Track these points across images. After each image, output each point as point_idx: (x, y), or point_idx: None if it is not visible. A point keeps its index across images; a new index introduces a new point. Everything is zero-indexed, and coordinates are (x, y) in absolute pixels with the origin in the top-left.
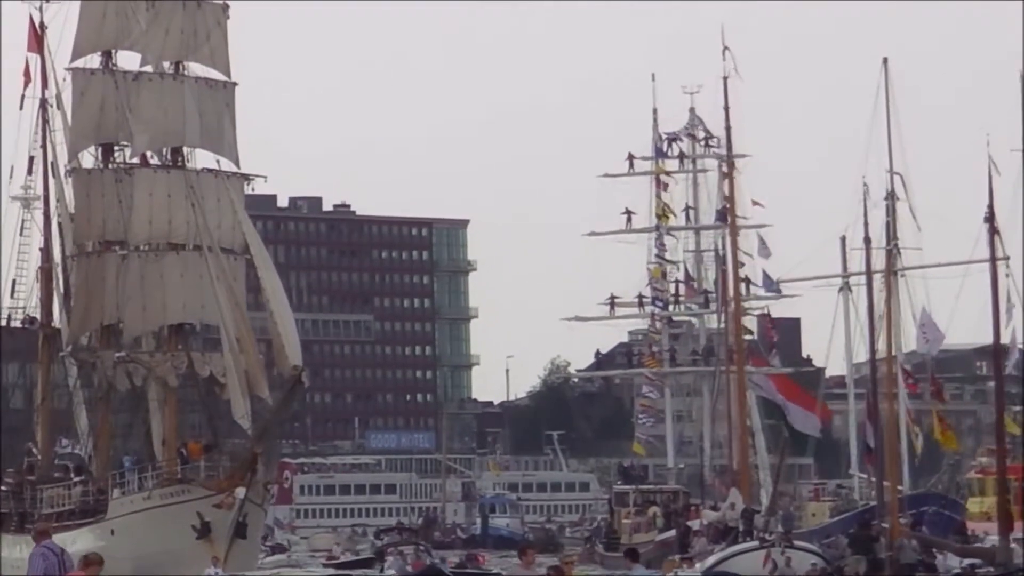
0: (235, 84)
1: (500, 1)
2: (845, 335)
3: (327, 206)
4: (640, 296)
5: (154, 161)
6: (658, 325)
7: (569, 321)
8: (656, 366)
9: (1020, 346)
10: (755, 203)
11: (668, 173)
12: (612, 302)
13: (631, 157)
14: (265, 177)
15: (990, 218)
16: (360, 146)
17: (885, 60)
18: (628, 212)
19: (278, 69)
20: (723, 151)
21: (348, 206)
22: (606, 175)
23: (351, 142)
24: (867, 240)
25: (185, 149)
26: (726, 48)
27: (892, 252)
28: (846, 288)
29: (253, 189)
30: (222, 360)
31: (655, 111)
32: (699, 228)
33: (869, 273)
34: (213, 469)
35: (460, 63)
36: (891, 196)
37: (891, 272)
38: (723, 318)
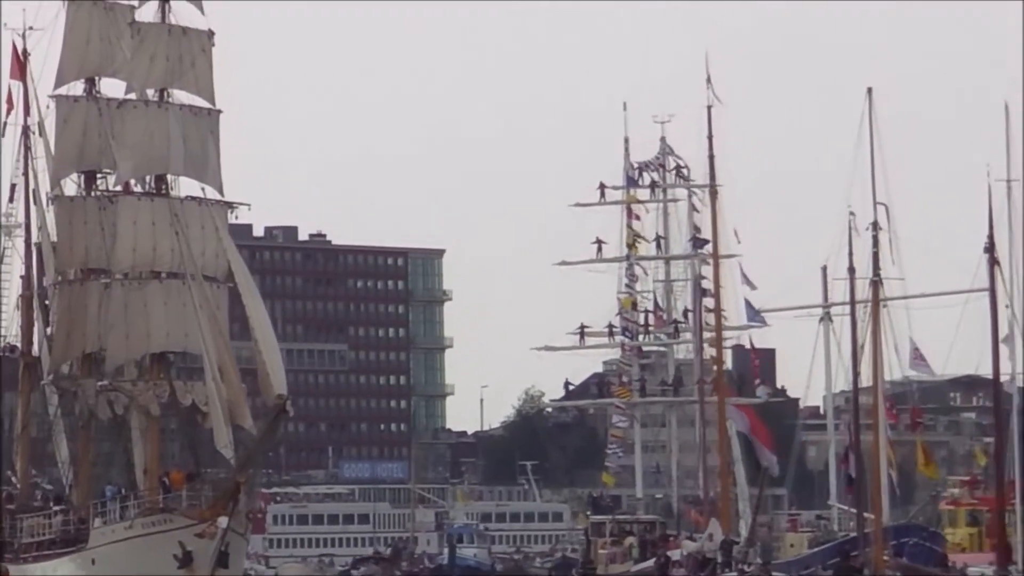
0: (219, 111)
1: (473, 32)
2: (826, 365)
3: (303, 235)
4: (610, 326)
5: (137, 189)
6: (628, 355)
7: (539, 351)
8: (627, 396)
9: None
10: (735, 234)
11: (640, 202)
12: (582, 332)
13: (602, 186)
14: (249, 205)
15: (990, 248)
16: (336, 175)
17: (870, 90)
18: (599, 241)
19: (253, 97)
20: (694, 180)
21: (324, 235)
22: (577, 204)
23: (327, 171)
24: (851, 270)
25: (169, 177)
26: (709, 77)
27: (876, 282)
28: (827, 318)
29: (236, 217)
30: (204, 389)
31: (627, 140)
32: (669, 258)
33: (853, 303)
34: (195, 498)
35: (435, 93)
36: (876, 226)
37: (877, 302)
38: (694, 348)
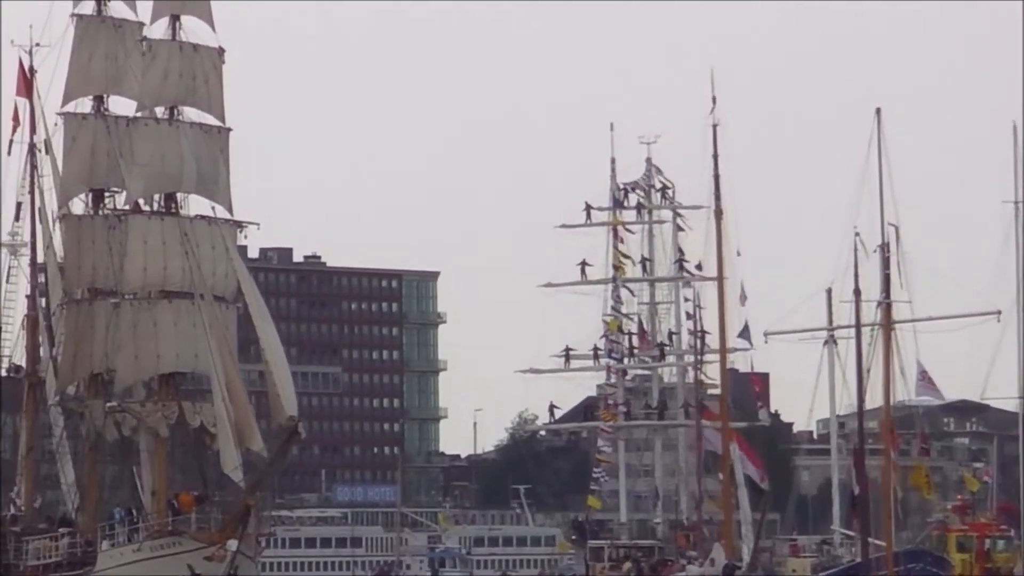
0: (230, 130)
1: (463, 55)
2: (830, 389)
3: (297, 257)
4: (595, 348)
5: (146, 208)
6: (613, 378)
7: (524, 373)
8: (612, 420)
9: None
10: (737, 252)
11: (624, 224)
12: (567, 355)
13: (588, 207)
14: (258, 224)
15: None
16: (331, 197)
17: (878, 110)
18: (584, 263)
19: (249, 117)
20: (679, 201)
21: (319, 257)
22: (563, 226)
23: (322, 193)
24: (857, 292)
25: (179, 195)
26: (714, 97)
27: (888, 305)
28: (831, 341)
29: (246, 237)
30: (212, 410)
31: (613, 160)
32: (655, 280)
33: (858, 326)
34: (204, 521)
35: (428, 113)
36: (886, 247)
37: (889, 325)
38: (675, 371)
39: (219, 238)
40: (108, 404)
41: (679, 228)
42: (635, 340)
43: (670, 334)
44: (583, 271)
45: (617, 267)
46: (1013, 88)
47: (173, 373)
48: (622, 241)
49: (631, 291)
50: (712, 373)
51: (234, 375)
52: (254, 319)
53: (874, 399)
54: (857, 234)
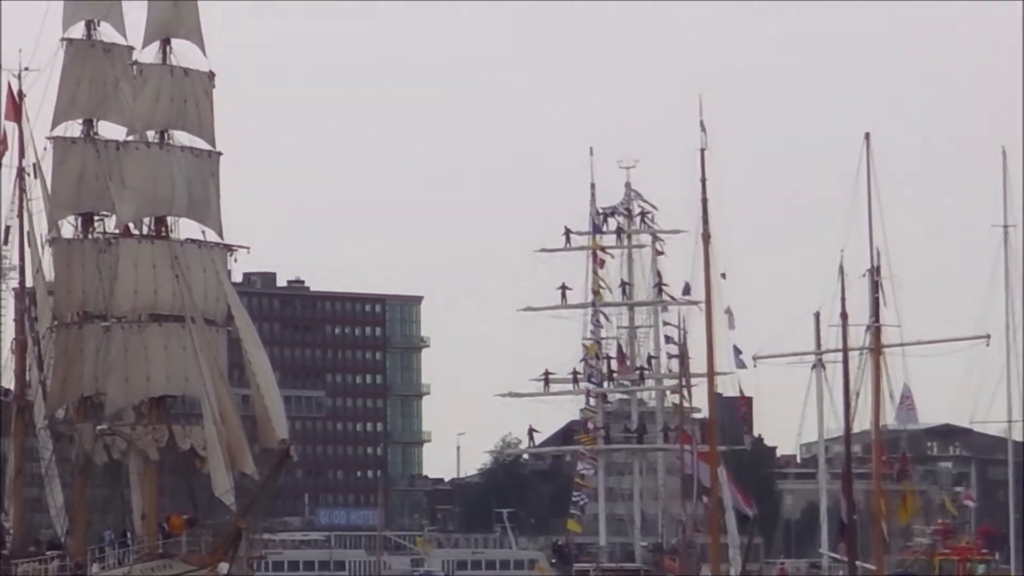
0: (220, 154)
1: (443, 79)
2: (818, 413)
3: (281, 282)
4: (575, 372)
5: (136, 231)
6: (592, 402)
7: (504, 397)
8: (591, 443)
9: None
10: (723, 275)
11: (603, 249)
12: (547, 378)
13: (568, 232)
14: (248, 248)
15: None
16: (314, 222)
17: (867, 135)
18: (564, 287)
19: (231, 142)
20: (658, 226)
21: (302, 282)
22: (543, 250)
23: (305, 217)
24: (844, 316)
25: (169, 219)
26: (703, 121)
27: (879, 329)
28: (819, 365)
29: (236, 260)
30: (203, 433)
31: (593, 185)
32: (634, 304)
33: (845, 350)
34: (195, 544)
35: (408, 137)
36: (877, 271)
37: (879, 348)
38: (655, 395)
39: (209, 262)
40: (99, 427)
41: (658, 252)
42: (614, 364)
43: (649, 358)
44: (563, 295)
45: (596, 291)
46: (1003, 112)
47: (163, 396)
48: (602, 265)
49: (607, 316)
50: (694, 397)
51: (225, 398)
52: (245, 343)
53: (860, 423)
54: (842, 262)
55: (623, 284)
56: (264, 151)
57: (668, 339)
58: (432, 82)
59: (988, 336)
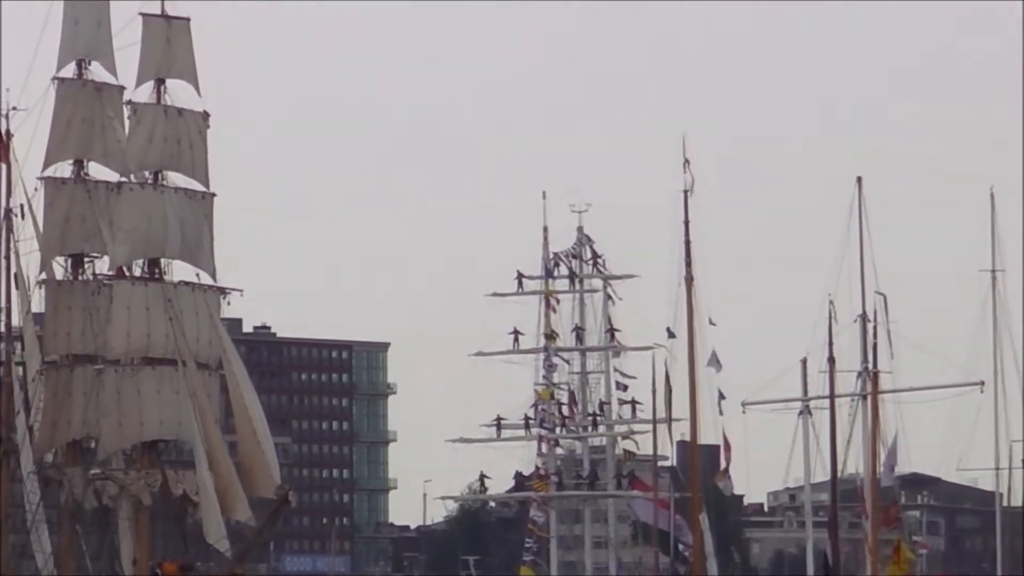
0: (214, 195)
1: (399, 121)
2: (804, 459)
3: (247, 327)
4: (527, 418)
5: (129, 273)
6: (544, 448)
7: (454, 443)
8: (544, 489)
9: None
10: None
11: (554, 294)
12: (499, 424)
13: (520, 276)
14: (241, 291)
15: None
16: (280, 268)
17: (859, 179)
18: (516, 332)
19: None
20: (610, 271)
21: (268, 328)
22: (494, 294)
23: (272, 264)
24: (831, 360)
25: (163, 261)
26: (687, 161)
27: (876, 375)
28: (806, 412)
29: (229, 303)
30: (195, 478)
31: (545, 229)
32: (586, 349)
33: (832, 396)
34: None
35: (372, 182)
36: (872, 315)
37: (876, 395)
38: (606, 441)
39: (203, 304)
40: (92, 472)
41: (608, 298)
42: (565, 410)
43: (601, 404)
44: (516, 340)
45: (549, 336)
46: (991, 155)
47: (155, 440)
48: (554, 311)
49: (564, 359)
50: (646, 444)
51: (218, 443)
52: (239, 388)
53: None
54: (831, 303)
55: (576, 329)
56: (230, 196)
57: (619, 385)
58: (386, 124)
59: (983, 383)
